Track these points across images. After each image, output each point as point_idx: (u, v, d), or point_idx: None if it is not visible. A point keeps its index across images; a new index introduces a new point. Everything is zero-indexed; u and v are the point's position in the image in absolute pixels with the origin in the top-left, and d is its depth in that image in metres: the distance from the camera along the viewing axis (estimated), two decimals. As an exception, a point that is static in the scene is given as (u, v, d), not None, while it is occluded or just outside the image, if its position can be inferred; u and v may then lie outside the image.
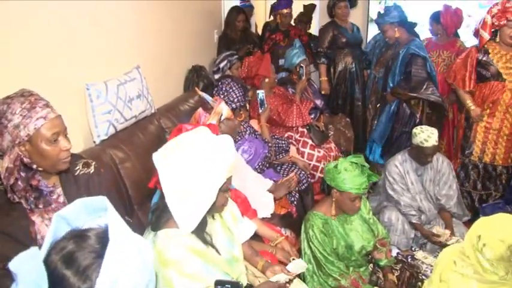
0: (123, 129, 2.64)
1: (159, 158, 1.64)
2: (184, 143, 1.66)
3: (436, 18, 4.53)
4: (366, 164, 2.48)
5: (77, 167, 1.67)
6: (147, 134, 2.80)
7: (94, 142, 2.48)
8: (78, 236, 0.97)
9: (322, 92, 4.74)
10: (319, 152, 3.67)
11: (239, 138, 2.95)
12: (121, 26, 2.84)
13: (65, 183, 1.61)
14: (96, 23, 2.54)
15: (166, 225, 1.67)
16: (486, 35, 3.55)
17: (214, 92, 2.87)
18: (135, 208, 2.44)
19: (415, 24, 4.10)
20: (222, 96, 2.76)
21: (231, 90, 2.80)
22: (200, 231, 1.68)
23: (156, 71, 3.34)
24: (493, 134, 3.69)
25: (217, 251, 1.76)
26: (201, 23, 4.33)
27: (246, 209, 2.35)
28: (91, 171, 1.67)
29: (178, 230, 1.63)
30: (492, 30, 3.56)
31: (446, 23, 4.42)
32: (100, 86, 2.46)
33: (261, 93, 3.41)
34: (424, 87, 3.79)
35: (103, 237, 0.94)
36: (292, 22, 5.24)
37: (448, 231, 3.11)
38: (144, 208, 2.40)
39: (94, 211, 1.04)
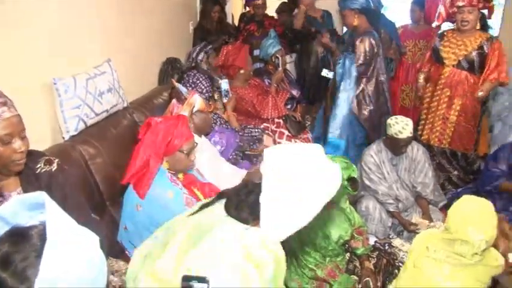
0: (94, 124, 2.59)
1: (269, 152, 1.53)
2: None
3: (419, 3, 4.53)
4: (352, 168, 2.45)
5: (38, 165, 1.61)
6: (119, 128, 2.75)
7: (63, 138, 2.43)
8: (18, 235, 0.93)
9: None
10: (296, 142, 3.66)
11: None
12: (91, 19, 2.77)
13: (25, 182, 1.56)
14: (64, 15, 2.47)
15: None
16: (441, 24, 3.93)
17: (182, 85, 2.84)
18: (107, 204, 2.40)
19: (378, 15, 3.94)
20: (190, 89, 2.73)
21: (198, 81, 2.78)
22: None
23: (129, 64, 3.28)
24: (430, 115, 3.83)
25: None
26: (175, 15, 4.27)
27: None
28: (53, 169, 1.62)
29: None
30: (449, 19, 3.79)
31: (429, 10, 4.45)
32: (68, 81, 2.40)
33: (224, 83, 3.38)
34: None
35: (44, 235, 0.90)
36: (274, 13, 5.21)
37: (426, 221, 3.14)
38: (117, 204, 2.36)
39: (36, 207, 0.98)
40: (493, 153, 3.68)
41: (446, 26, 3.96)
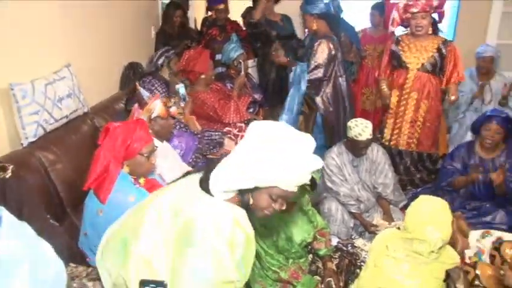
0: (53, 130, 2.55)
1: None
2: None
3: (379, 8, 4.64)
4: None
5: (-8, 172, 1.58)
6: (79, 134, 2.71)
7: (22, 144, 2.37)
8: None
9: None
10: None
11: None
12: (49, 23, 2.73)
13: None
14: (22, 19, 2.43)
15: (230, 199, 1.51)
16: (396, 29, 3.96)
17: (136, 92, 2.84)
18: (67, 211, 2.36)
19: (338, 20, 4.04)
20: (151, 94, 2.72)
21: (153, 87, 2.79)
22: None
23: (90, 69, 3.23)
24: (399, 119, 3.90)
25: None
26: (137, 19, 4.24)
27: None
28: (7, 176, 1.59)
29: (236, 206, 1.50)
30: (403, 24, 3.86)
31: (389, 15, 4.57)
32: (26, 86, 2.35)
33: (181, 88, 3.38)
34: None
35: None
36: (240, 17, 5.23)
37: (386, 222, 3.22)
38: (78, 210, 2.32)
39: None
40: (450, 152, 3.83)
41: (400, 30, 4.07)
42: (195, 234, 1.40)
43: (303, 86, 3.82)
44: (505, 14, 5.08)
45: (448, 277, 2.05)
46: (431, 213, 2.18)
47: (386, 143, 3.98)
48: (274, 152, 1.41)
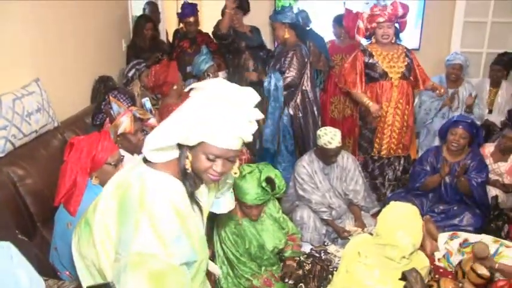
0: (22, 145, 2.52)
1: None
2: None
3: (338, 21, 4.74)
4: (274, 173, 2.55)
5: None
6: (50, 148, 2.69)
7: (-10, 160, 2.35)
8: None
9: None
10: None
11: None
12: (17, 36, 2.71)
13: None
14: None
15: (159, 167, 1.46)
16: (362, 39, 4.03)
17: (102, 107, 2.85)
18: (38, 226, 2.34)
19: (306, 31, 4.16)
20: (121, 110, 2.73)
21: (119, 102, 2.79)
22: (193, 186, 1.51)
23: (60, 83, 3.21)
24: (387, 129, 3.95)
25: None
26: (108, 32, 4.23)
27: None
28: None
29: (170, 177, 1.46)
30: (369, 33, 3.94)
31: (348, 26, 4.66)
32: (-7, 101, 2.34)
33: (146, 102, 3.37)
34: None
35: None
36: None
37: (359, 229, 3.28)
38: (49, 225, 2.30)
39: None
40: (419, 156, 3.95)
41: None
42: (125, 204, 1.43)
43: (281, 97, 3.89)
44: (466, 24, 5.26)
45: (405, 279, 2.11)
46: (402, 219, 2.24)
47: (377, 154, 4.03)
48: (202, 108, 1.37)
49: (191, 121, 1.37)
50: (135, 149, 2.80)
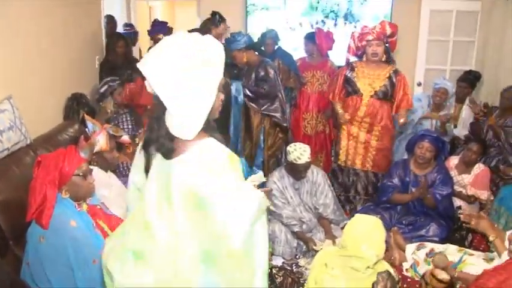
0: (-6, 163, 2.53)
1: (143, 65, 1.48)
2: (168, 44, 1.49)
3: (311, 38, 4.88)
4: None
5: None
6: (22, 166, 2.69)
7: (-39, 178, 2.35)
8: None
9: None
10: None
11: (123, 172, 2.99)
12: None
13: None
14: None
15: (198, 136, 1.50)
16: (351, 57, 4.11)
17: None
18: (10, 244, 2.34)
19: (261, 46, 4.41)
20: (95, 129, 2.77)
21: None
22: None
23: (32, 101, 3.23)
24: (352, 141, 4.09)
25: None
26: (81, 50, 4.26)
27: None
28: None
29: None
30: (360, 52, 4.04)
31: (320, 43, 4.81)
32: (-36, 119, 2.35)
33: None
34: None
35: None
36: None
37: (329, 242, 3.36)
38: (21, 242, 2.31)
39: None
40: (388, 170, 4.05)
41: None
42: (201, 192, 1.45)
43: (240, 100, 4.02)
44: (430, 42, 5.49)
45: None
46: (366, 231, 2.33)
47: (343, 164, 4.15)
48: (194, 65, 1.43)
49: (201, 82, 1.44)
50: (110, 166, 2.84)
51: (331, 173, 4.23)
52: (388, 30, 3.90)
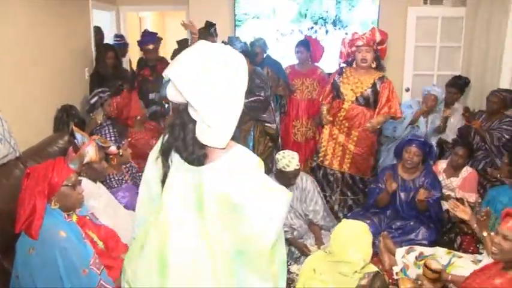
0: (-17, 176, 2.54)
1: (171, 71, 1.47)
2: (196, 53, 1.49)
3: (306, 45, 4.94)
4: None
5: None
6: (11, 178, 2.70)
7: (-50, 192, 2.36)
8: None
9: None
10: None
11: (116, 185, 3.00)
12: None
13: None
14: None
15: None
16: (343, 63, 4.20)
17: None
18: (-1, 257, 2.35)
19: (255, 55, 4.44)
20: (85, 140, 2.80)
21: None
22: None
23: (22, 113, 3.25)
24: (332, 142, 4.15)
25: None
26: (70, 61, 4.28)
27: (116, 244, 2.40)
28: None
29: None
30: (350, 59, 4.10)
31: (314, 50, 4.87)
32: (-48, 133, 2.36)
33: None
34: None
35: None
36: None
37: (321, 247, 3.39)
38: (10, 255, 2.30)
39: None
40: (377, 175, 4.11)
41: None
42: (235, 199, 1.47)
43: None
44: (417, 48, 5.57)
45: None
46: (353, 236, 2.37)
47: (321, 163, 4.20)
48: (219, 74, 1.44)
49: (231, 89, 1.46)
50: (99, 176, 2.86)
51: (310, 171, 4.28)
52: (378, 37, 3.95)
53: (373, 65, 4.00)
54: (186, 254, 1.53)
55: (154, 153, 1.64)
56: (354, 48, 3.99)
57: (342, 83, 4.05)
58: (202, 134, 1.47)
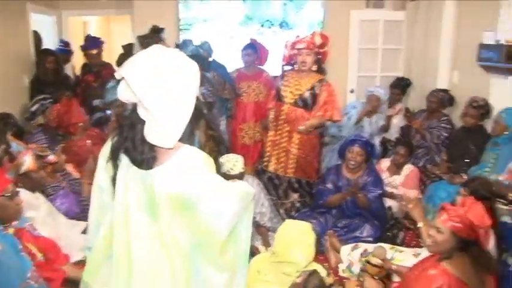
0: None
1: (124, 70, 1.47)
2: (148, 54, 1.51)
3: (253, 47, 4.97)
4: None
5: None
6: None
7: None
8: None
9: None
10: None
11: (52, 192, 2.92)
12: None
13: None
14: None
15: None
16: (285, 65, 4.22)
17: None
18: None
19: (206, 60, 4.45)
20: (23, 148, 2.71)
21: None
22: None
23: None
24: (276, 147, 4.17)
25: None
26: (6, 67, 4.14)
27: (57, 255, 2.34)
28: None
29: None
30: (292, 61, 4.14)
31: (260, 53, 4.91)
32: None
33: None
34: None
35: None
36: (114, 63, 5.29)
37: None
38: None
39: None
40: (322, 176, 4.18)
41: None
42: (186, 197, 1.48)
43: None
44: (361, 50, 5.72)
45: None
46: (295, 236, 2.41)
47: (265, 168, 4.22)
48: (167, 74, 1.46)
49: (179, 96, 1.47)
50: (37, 186, 2.78)
51: (256, 175, 4.31)
52: (319, 41, 3.99)
53: (314, 68, 4.05)
54: (145, 256, 1.53)
55: (103, 156, 1.62)
56: (295, 51, 4.03)
57: (283, 86, 4.09)
58: (150, 134, 1.47)
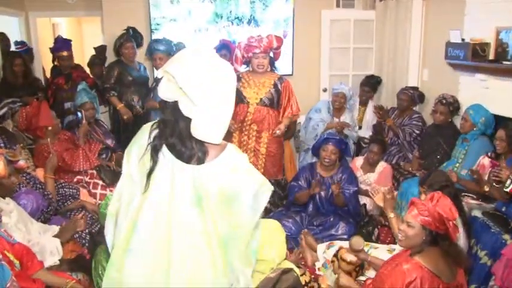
0: None
1: (170, 66, 1.50)
2: (193, 52, 1.56)
3: (226, 47, 4.95)
4: None
5: None
6: None
7: None
8: None
9: (125, 117, 4.70)
10: (111, 191, 3.68)
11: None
12: None
13: None
14: None
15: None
16: (238, 67, 4.18)
17: None
18: None
19: None
20: None
21: None
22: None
23: None
24: (243, 149, 4.16)
25: None
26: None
27: (31, 262, 2.29)
28: None
29: None
30: (245, 61, 4.17)
31: (236, 53, 4.89)
32: None
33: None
34: None
35: None
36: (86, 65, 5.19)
37: None
38: None
39: None
40: (296, 173, 4.24)
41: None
42: (233, 189, 1.54)
43: None
44: (332, 50, 5.78)
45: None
46: (265, 234, 2.39)
47: None
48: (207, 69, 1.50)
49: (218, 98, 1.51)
50: (8, 192, 2.71)
51: None
52: (275, 44, 4.04)
53: (269, 69, 4.12)
54: (186, 246, 1.55)
55: (135, 151, 1.63)
56: (250, 54, 4.05)
57: (242, 88, 4.10)
58: (198, 130, 1.49)
